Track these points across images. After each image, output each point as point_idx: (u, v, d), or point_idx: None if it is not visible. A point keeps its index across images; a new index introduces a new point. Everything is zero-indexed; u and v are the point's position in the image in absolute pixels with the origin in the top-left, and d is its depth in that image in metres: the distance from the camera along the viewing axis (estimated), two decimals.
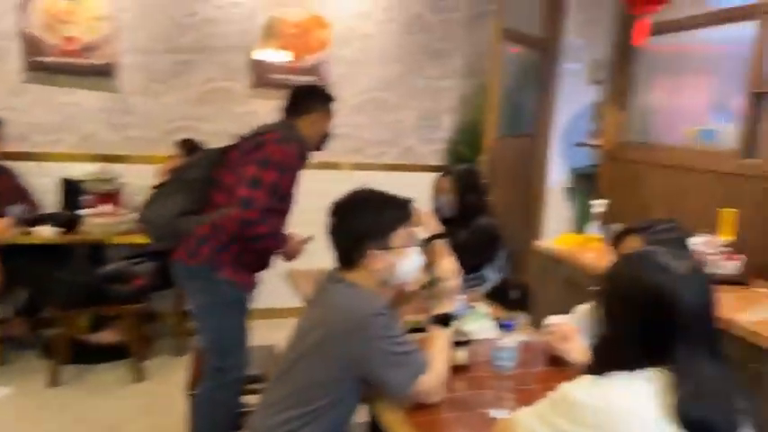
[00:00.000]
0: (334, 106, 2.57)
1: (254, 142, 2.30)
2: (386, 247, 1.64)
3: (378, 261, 1.63)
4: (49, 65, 3.89)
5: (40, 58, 3.87)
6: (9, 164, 3.72)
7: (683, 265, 1.17)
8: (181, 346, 3.83)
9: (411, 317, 2.18)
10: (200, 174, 2.36)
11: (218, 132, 4.24)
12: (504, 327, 1.60)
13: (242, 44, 4.22)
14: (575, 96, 4.64)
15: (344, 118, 4.39)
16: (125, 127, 4.12)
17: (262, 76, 4.29)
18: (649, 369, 1.15)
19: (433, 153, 4.75)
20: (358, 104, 4.53)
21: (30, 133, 3.94)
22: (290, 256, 2.51)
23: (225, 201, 2.31)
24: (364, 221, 1.64)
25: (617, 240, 1.89)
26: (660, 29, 3.33)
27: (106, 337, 3.66)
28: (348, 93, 4.45)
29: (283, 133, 2.33)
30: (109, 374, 3.52)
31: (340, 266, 1.70)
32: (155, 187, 2.49)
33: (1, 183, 3.58)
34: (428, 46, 4.60)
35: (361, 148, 4.60)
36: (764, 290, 2.50)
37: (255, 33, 4.21)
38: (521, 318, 2.78)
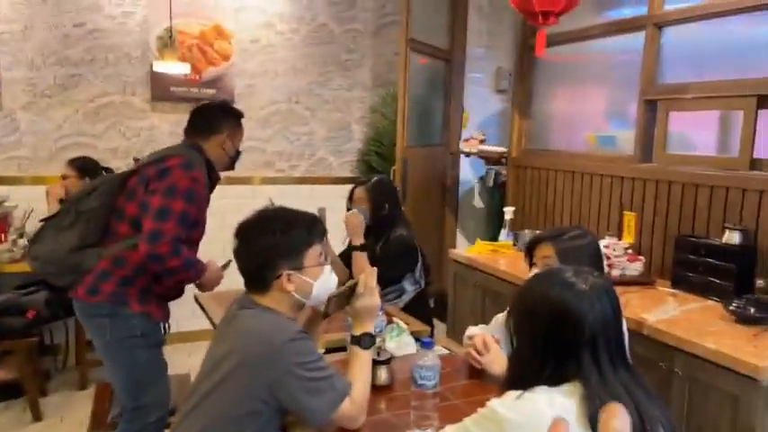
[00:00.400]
0: (243, 122, 2.45)
1: (157, 169, 2.13)
2: (298, 267, 1.58)
3: (291, 282, 1.56)
4: None
5: None
6: None
7: (588, 281, 1.22)
8: (83, 379, 3.58)
9: (329, 336, 2.12)
10: (99, 203, 2.15)
11: (115, 149, 4.03)
12: (425, 344, 1.56)
13: (138, 56, 4.02)
14: (481, 105, 4.75)
15: (252, 131, 4.28)
16: (10, 146, 3.82)
17: (161, 90, 4.09)
18: (568, 383, 1.17)
19: (345, 164, 4.71)
20: (265, 117, 4.43)
21: None
22: (208, 286, 2.34)
23: (128, 232, 2.15)
24: (273, 242, 1.56)
25: (529, 248, 1.91)
26: (558, 39, 3.45)
27: None
28: (254, 105, 4.35)
29: (188, 157, 2.18)
30: (3, 415, 3.24)
31: (249, 290, 1.62)
32: (45, 219, 2.26)
33: None
34: (335, 56, 4.57)
35: (272, 162, 4.49)
36: (667, 289, 2.61)
37: (152, 45, 4.02)
38: (437, 330, 2.78)
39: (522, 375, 1.21)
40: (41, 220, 2.27)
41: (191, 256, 2.17)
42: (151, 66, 3.97)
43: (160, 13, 3.97)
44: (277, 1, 4.34)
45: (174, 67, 3.77)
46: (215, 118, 2.34)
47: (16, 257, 3.32)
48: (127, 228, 2.15)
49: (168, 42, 3.85)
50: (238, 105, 4.18)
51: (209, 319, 2.49)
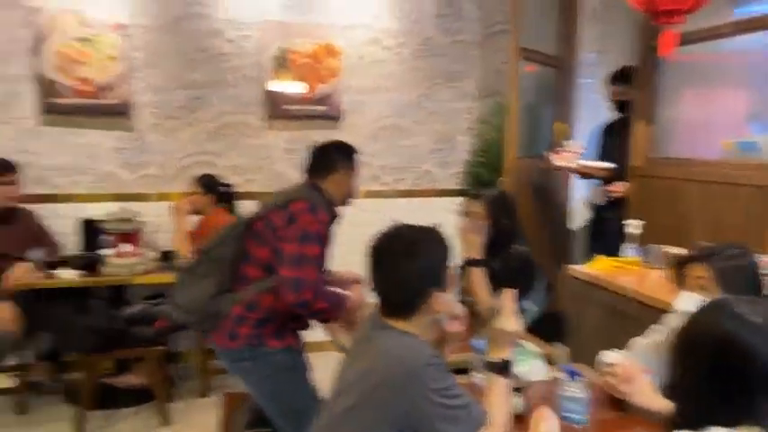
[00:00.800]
0: (357, 157, 2.49)
1: (285, 215, 2.21)
2: (444, 288, 1.55)
3: (439, 303, 1.53)
4: (64, 107, 3.85)
5: (54, 100, 3.83)
6: (28, 207, 3.66)
7: (763, 314, 1.11)
8: (205, 386, 3.74)
9: (453, 356, 2.07)
10: (231, 250, 2.28)
11: (233, 166, 4.20)
12: (571, 374, 1.47)
13: (254, 77, 4.17)
14: (593, 113, 4.54)
15: (359, 146, 4.30)
16: (141, 165, 4.07)
17: (275, 108, 4.23)
18: (745, 426, 1.07)
19: (451, 177, 4.66)
20: (372, 132, 4.46)
21: (47, 175, 3.90)
22: (352, 322, 2.32)
23: (258, 275, 2.25)
24: (423, 267, 1.53)
25: (679, 269, 1.77)
26: (687, 39, 3.23)
27: (131, 380, 3.59)
28: (362, 120, 4.40)
29: (312, 200, 2.26)
30: (135, 419, 3.43)
31: (387, 313, 1.57)
32: (183, 270, 2.41)
33: (21, 226, 3.51)
34: (441, 68, 4.54)
35: (378, 176, 4.52)
36: None
37: (267, 65, 4.16)
38: (560, 349, 2.66)
39: (692, 413, 1.12)
40: (181, 270, 2.42)
41: (333, 295, 2.24)
42: (266, 85, 4.10)
43: (274, 35, 4.12)
44: (384, 17, 4.37)
45: (287, 86, 3.90)
46: (330, 158, 2.42)
47: (149, 269, 3.52)
48: (256, 271, 2.25)
49: (282, 63, 3.98)
50: (346, 121, 4.29)
51: (327, 331, 2.51)
